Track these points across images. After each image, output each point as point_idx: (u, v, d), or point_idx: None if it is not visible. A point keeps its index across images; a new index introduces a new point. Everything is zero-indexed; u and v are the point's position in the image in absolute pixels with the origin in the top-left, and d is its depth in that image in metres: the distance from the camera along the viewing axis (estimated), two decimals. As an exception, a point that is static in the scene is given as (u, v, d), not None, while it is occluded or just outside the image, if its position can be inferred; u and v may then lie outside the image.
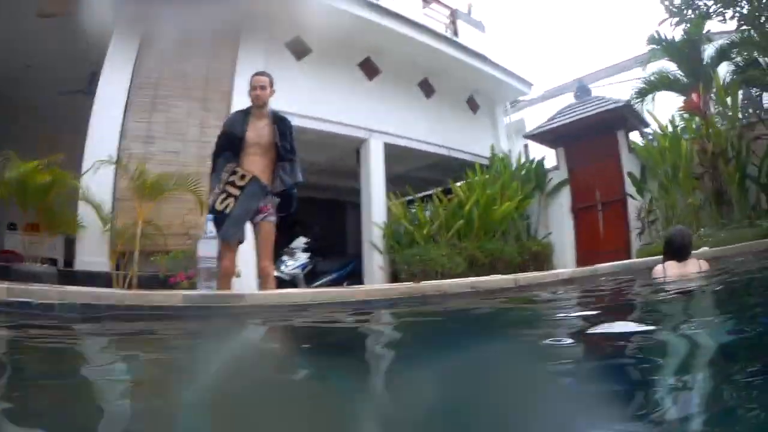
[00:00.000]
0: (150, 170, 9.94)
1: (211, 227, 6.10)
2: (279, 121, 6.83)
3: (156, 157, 10.70)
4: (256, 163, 6.62)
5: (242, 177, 6.49)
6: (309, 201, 17.06)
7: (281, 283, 11.17)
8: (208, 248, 6.00)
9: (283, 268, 12.70)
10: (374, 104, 13.85)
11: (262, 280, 6.76)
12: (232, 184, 6.46)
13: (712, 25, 13.51)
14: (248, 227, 6.65)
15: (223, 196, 6.42)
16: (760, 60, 13.50)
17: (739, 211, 11.32)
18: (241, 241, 6.65)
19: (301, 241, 13.78)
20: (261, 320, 4.62)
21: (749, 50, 13.53)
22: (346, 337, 3.91)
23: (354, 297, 5.59)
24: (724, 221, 11.19)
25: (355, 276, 13.69)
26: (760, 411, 1.44)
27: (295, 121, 10.07)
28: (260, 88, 6.76)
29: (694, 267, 6.04)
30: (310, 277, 13.36)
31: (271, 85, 6.88)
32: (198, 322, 4.46)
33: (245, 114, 6.87)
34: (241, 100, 8.99)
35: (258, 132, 6.69)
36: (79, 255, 10.20)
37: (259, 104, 6.79)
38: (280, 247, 13.46)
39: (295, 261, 13.20)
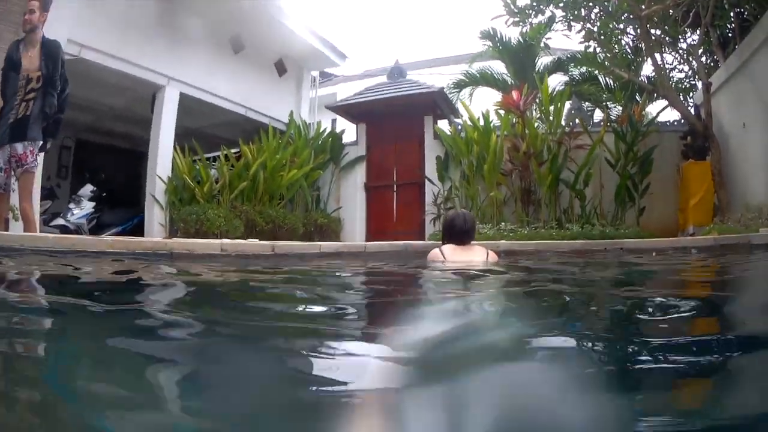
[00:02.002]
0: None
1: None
2: (45, 48, 6.37)
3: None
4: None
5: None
6: (105, 148, 15.82)
7: (67, 232, 10.58)
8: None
9: (69, 216, 11.59)
10: (178, 51, 11.96)
11: (23, 222, 6.50)
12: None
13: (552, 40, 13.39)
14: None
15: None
16: (600, 78, 14.05)
17: (548, 213, 11.08)
18: (5, 190, 6.46)
19: (88, 189, 12.47)
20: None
21: (590, 66, 13.85)
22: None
23: (97, 247, 5.22)
24: (529, 219, 10.97)
25: (141, 230, 11.92)
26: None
27: (96, 58, 9.91)
28: (29, 12, 6.31)
29: (480, 255, 5.24)
30: (96, 228, 11.98)
31: (43, 8, 6.43)
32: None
33: (19, 42, 6.43)
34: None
35: (30, 60, 6.29)
36: None
37: (25, 29, 6.37)
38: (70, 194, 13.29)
39: (81, 210, 11.92)
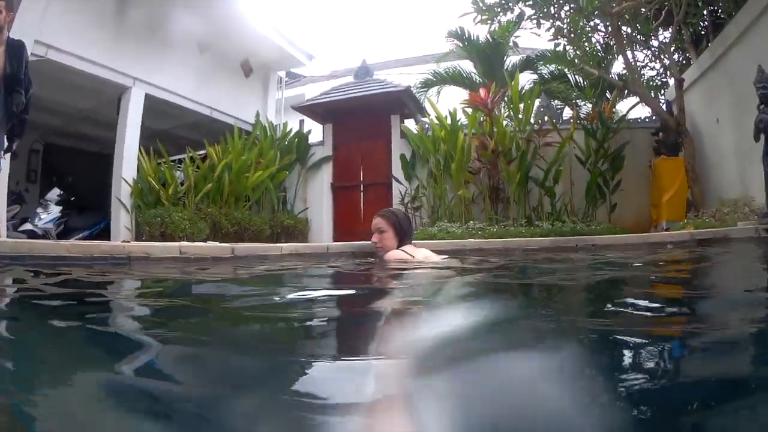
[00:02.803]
0: None
1: None
2: (11, 48, 6.17)
3: None
4: None
5: None
6: (74, 152, 15.49)
7: (35, 237, 10.36)
8: None
9: (36, 221, 11.32)
10: (144, 52, 11.68)
11: None
12: None
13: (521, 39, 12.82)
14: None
15: None
16: (569, 76, 13.85)
17: (517, 210, 10.76)
18: None
19: (54, 193, 12.22)
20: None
21: (559, 64, 13.61)
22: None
23: (55, 251, 4.81)
24: (498, 217, 10.58)
25: (108, 234, 11.51)
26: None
27: (62, 59, 9.59)
28: None
29: (429, 252, 4.95)
30: (64, 232, 11.72)
31: (9, 9, 6.25)
32: None
33: None
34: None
35: None
36: None
37: None
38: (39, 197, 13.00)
39: (49, 214, 11.63)
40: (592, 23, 11.85)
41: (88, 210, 12.82)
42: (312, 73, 21.03)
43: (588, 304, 2.66)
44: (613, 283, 3.67)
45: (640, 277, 4.12)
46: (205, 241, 8.66)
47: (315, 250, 7.39)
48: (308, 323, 2.05)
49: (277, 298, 2.84)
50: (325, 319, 2.17)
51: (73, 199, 12.58)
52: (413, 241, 5.12)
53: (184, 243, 6.56)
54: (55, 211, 11.73)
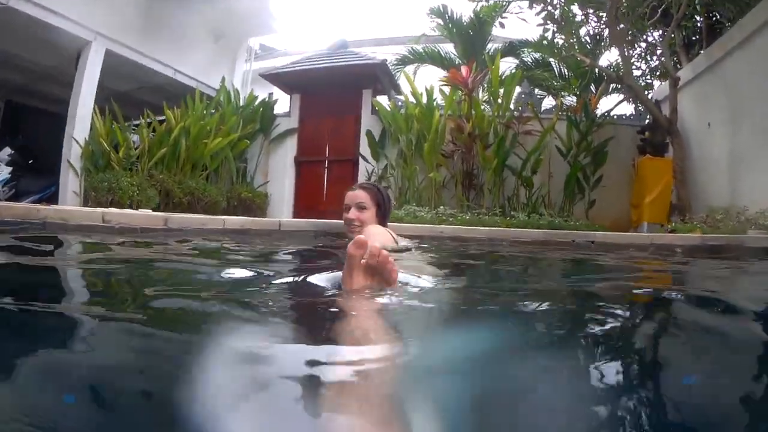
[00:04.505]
0: None
1: None
2: None
3: None
4: None
5: None
6: (36, 111, 14.48)
7: None
8: None
9: None
10: (107, 4, 10.74)
11: None
12: None
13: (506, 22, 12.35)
14: None
15: None
16: (554, 65, 13.34)
17: (492, 199, 9.96)
18: None
19: (5, 153, 11.63)
20: None
21: (544, 53, 13.09)
22: None
23: None
24: (470, 204, 9.82)
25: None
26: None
27: (24, 8, 8.97)
28: None
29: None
30: (15, 195, 11.12)
31: None
32: None
33: None
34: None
35: None
36: None
37: None
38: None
39: None
40: (583, 12, 11.26)
41: (42, 172, 11.97)
42: (286, 48, 19.93)
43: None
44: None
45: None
46: (137, 209, 8.00)
47: (264, 227, 6.40)
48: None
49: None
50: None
51: (31, 162, 12.11)
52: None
53: (110, 210, 6.11)
54: (5, 172, 11.17)
